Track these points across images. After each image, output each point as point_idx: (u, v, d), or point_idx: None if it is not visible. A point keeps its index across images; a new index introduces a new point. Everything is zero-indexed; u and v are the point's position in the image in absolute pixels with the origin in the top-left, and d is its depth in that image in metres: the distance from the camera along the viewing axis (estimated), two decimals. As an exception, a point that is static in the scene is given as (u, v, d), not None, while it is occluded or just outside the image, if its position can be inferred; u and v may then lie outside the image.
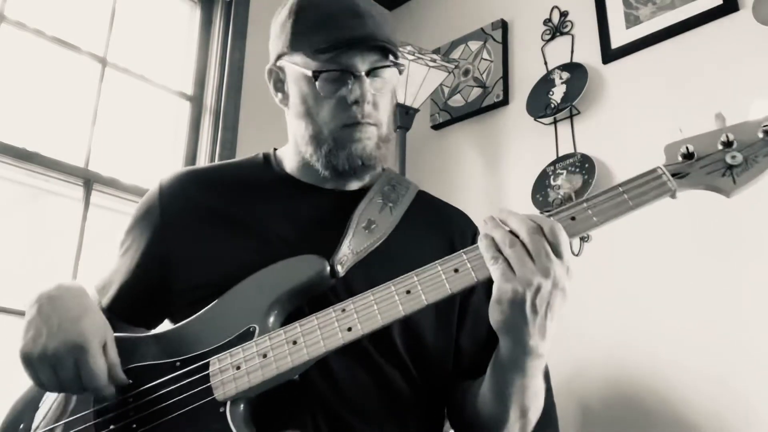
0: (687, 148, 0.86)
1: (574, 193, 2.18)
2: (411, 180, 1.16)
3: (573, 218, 0.84)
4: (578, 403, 2.09)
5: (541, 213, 0.84)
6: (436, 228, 1.09)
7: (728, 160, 0.84)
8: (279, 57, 1.05)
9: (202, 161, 2.46)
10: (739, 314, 1.85)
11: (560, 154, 2.35)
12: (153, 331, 0.97)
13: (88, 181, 2.19)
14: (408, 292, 0.84)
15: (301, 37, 1.01)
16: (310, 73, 0.98)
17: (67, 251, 2.08)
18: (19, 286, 2.01)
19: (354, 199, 1.05)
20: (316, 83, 0.98)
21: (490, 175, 2.59)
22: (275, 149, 1.15)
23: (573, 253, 2.23)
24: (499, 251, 0.79)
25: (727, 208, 1.93)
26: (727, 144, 0.84)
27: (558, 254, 0.78)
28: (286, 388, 0.87)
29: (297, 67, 1.01)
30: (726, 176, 0.84)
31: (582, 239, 2.28)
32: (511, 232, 0.80)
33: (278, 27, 1.06)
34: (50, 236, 2.14)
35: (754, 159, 0.83)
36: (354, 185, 1.09)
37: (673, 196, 0.84)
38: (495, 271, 0.79)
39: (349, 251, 0.96)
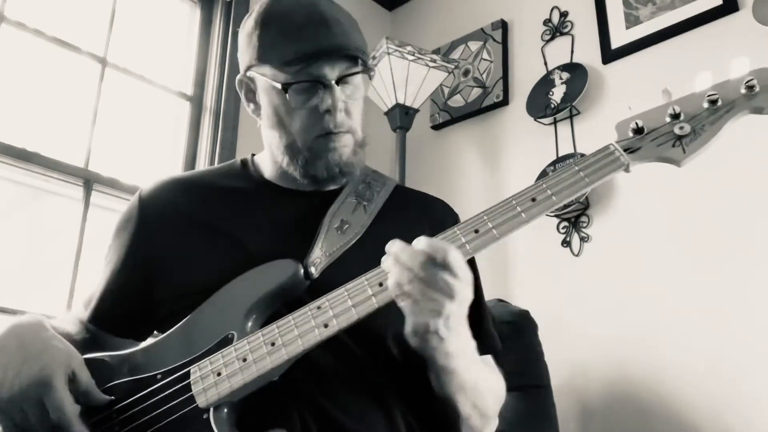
0: (636, 123, 0.90)
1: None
2: (413, 179, 1.15)
3: (534, 199, 0.87)
4: (578, 403, 2.09)
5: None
6: (416, 221, 1.09)
7: (677, 131, 0.88)
8: (248, 68, 1.05)
9: (202, 161, 2.46)
10: (739, 314, 1.84)
11: (560, 155, 2.35)
12: (135, 347, 0.96)
13: (88, 181, 2.19)
14: (380, 284, 0.85)
15: (268, 49, 1.00)
16: (279, 86, 0.99)
17: (67, 251, 2.08)
18: (20, 286, 2.01)
19: (332, 199, 1.06)
20: (287, 95, 0.98)
21: (490, 176, 2.59)
22: (253, 155, 1.16)
23: (573, 253, 2.25)
24: (403, 289, 0.82)
25: (728, 209, 1.93)
26: (675, 116, 0.88)
27: (455, 276, 0.81)
28: (272, 390, 0.87)
29: (266, 79, 1.01)
30: (676, 146, 0.87)
31: (582, 239, 2.28)
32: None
33: (245, 38, 1.05)
34: (50, 236, 2.14)
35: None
36: (333, 186, 1.09)
37: (626, 170, 0.88)
38: (405, 308, 0.83)
39: (321, 253, 0.97)
